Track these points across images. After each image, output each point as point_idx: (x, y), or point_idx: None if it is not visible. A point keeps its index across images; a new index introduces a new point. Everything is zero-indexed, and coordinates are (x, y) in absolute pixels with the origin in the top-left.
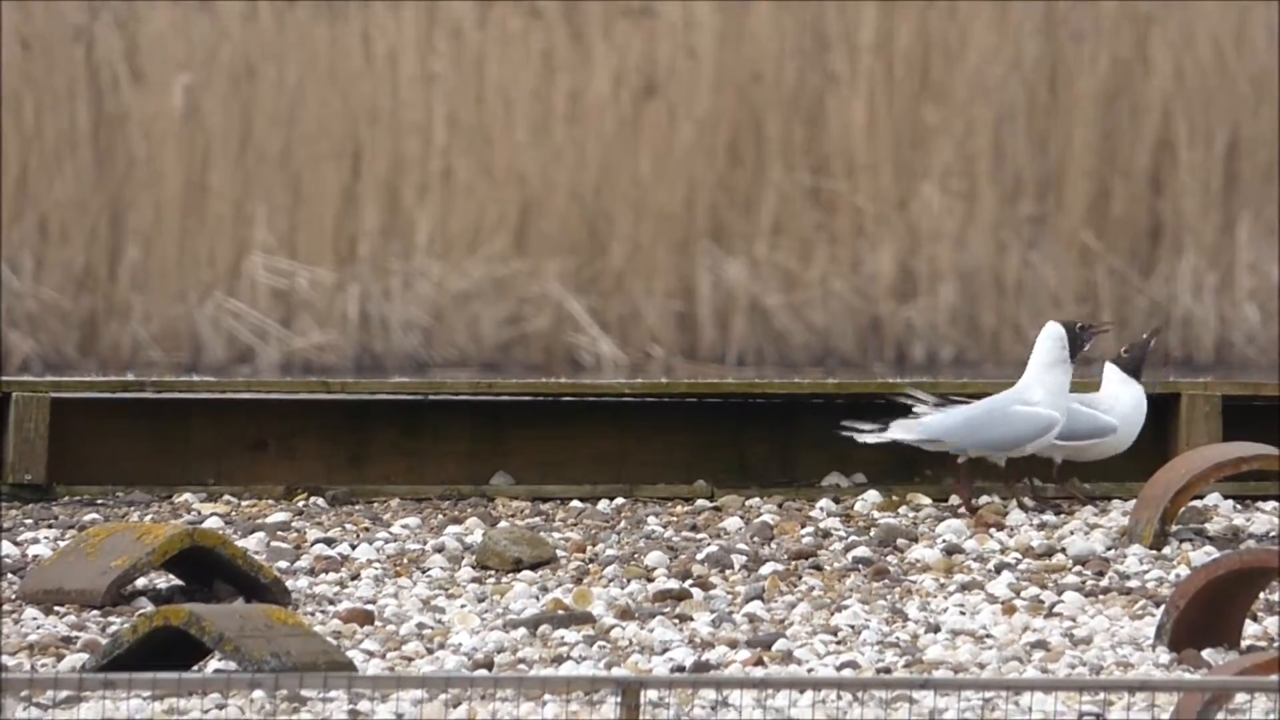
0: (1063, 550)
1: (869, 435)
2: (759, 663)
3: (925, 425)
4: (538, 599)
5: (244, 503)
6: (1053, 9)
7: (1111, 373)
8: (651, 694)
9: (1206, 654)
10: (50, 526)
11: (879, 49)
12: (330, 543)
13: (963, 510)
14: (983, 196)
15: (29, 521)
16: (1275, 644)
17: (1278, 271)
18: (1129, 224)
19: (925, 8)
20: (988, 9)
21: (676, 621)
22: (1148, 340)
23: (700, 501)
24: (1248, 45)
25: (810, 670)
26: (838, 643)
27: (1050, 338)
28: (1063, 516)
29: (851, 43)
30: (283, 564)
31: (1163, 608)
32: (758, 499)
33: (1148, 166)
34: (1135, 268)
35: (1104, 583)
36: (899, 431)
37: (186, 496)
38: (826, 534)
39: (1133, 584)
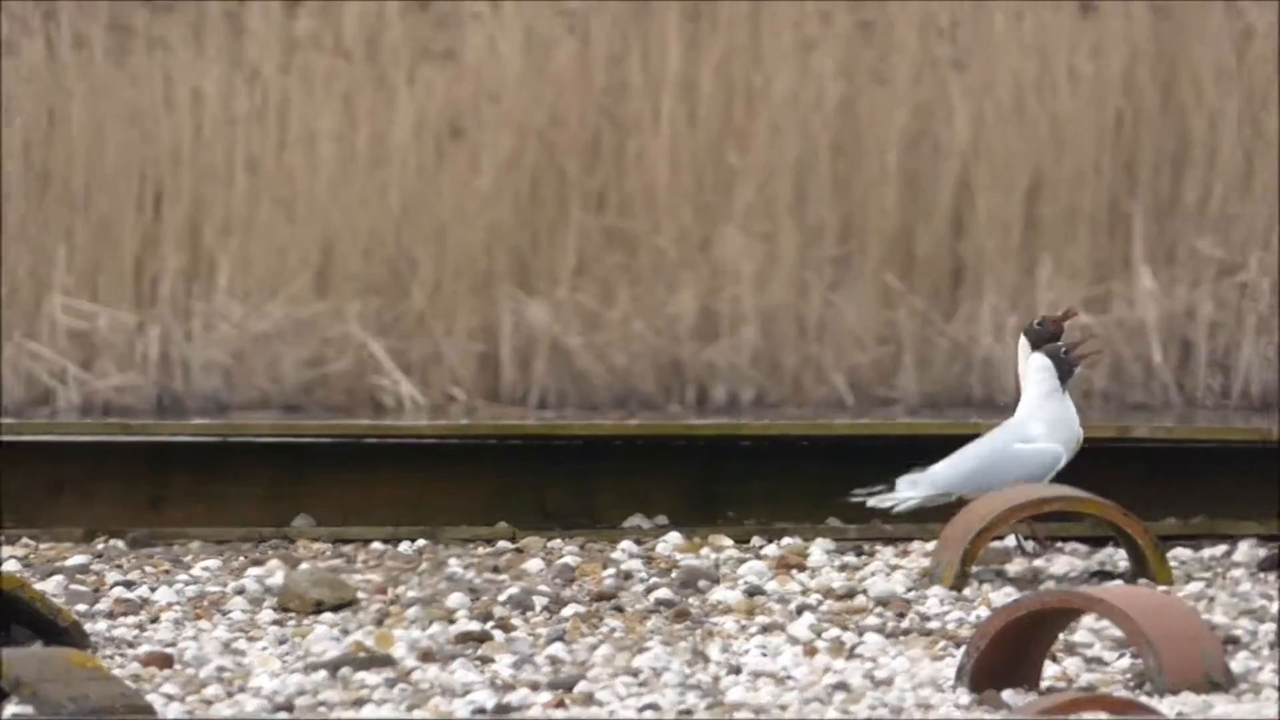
0: (864, 591)
1: (887, 501)
2: (560, 705)
3: (934, 479)
4: (339, 641)
5: (42, 545)
6: (855, 53)
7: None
8: None
9: (1006, 695)
10: None
11: (682, 91)
12: (130, 585)
13: (765, 552)
14: (785, 238)
15: None
16: (1074, 685)
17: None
18: (931, 265)
19: (729, 51)
20: (791, 52)
21: (478, 663)
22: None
23: (502, 543)
24: (1048, 89)
25: (611, 712)
26: (639, 684)
27: (1040, 369)
28: (863, 557)
29: (654, 85)
30: (81, 607)
31: (963, 649)
32: (560, 540)
33: (949, 208)
34: (937, 309)
35: (905, 624)
36: (910, 490)
37: None
38: (628, 575)
39: (933, 625)
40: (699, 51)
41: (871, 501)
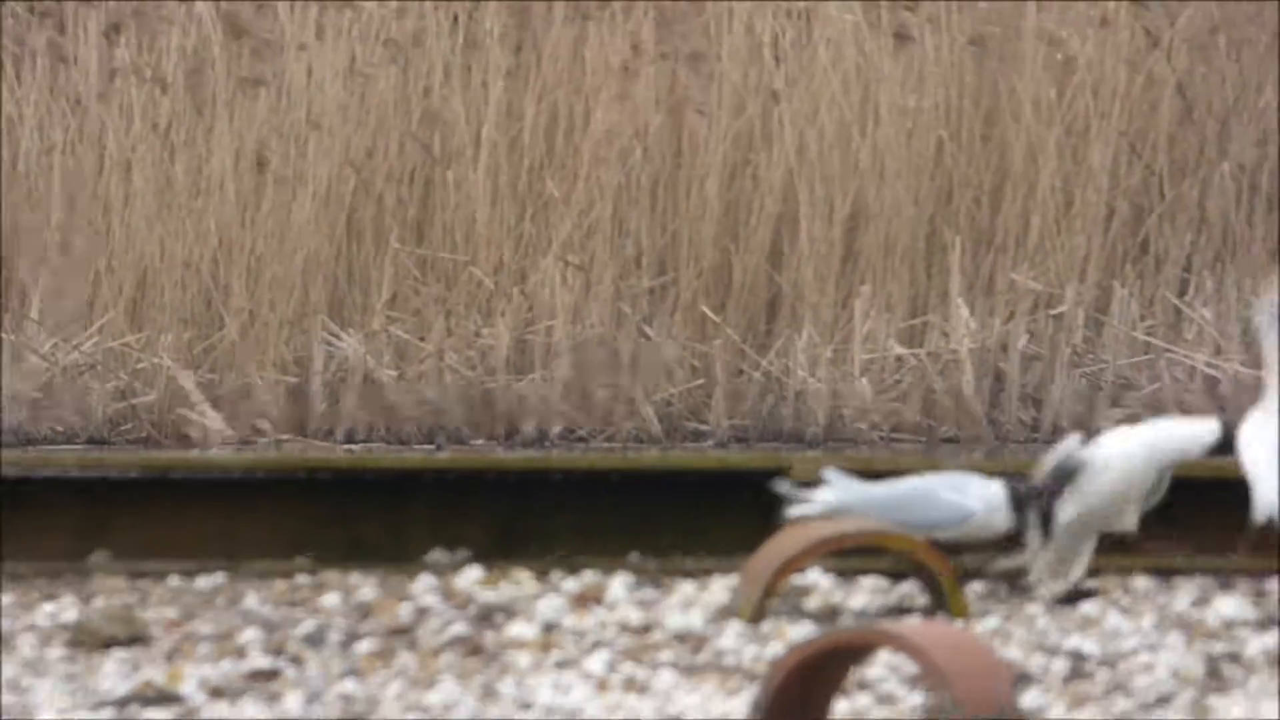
0: (661, 626)
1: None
2: None
3: (861, 495)
4: (129, 677)
5: None
6: (678, 84)
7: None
8: None
9: None
10: None
11: (501, 123)
12: None
13: (564, 587)
14: (601, 269)
15: None
16: None
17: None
18: (748, 297)
19: (553, 83)
20: (614, 84)
21: (269, 700)
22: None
23: (301, 578)
24: (871, 122)
25: None
26: None
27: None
28: (662, 590)
29: (474, 116)
30: None
31: (758, 685)
32: (359, 575)
33: (768, 240)
34: (752, 341)
35: (700, 659)
36: (831, 495)
37: None
38: (425, 610)
39: (729, 661)
40: (520, 82)
41: (795, 510)
